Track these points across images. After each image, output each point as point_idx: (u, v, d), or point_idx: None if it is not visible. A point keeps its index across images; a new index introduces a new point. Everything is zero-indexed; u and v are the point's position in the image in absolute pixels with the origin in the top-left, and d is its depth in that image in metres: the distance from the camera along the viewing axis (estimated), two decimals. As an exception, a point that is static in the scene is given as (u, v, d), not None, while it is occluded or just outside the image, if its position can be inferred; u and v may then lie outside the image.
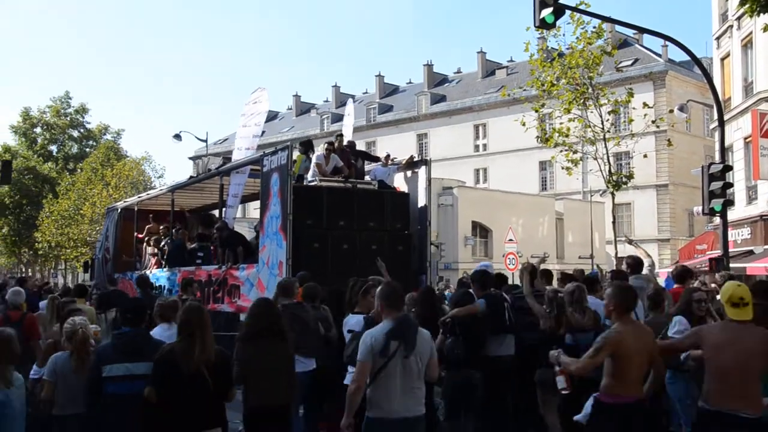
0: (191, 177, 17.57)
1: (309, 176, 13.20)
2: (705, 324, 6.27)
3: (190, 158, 71.66)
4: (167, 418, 5.11)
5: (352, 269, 9.16)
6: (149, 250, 18.43)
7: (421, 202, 13.54)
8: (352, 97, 71.90)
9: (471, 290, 8.24)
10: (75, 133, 67.55)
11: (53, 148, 67.06)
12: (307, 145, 13.76)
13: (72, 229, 48.61)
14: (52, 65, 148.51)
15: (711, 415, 5.02)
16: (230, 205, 15.04)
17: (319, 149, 13.88)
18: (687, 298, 7.19)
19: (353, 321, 7.01)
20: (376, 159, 14.89)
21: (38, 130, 66.45)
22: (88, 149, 65.15)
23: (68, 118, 66.56)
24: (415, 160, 13.94)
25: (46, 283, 24.86)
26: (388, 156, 14.39)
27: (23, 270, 67.78)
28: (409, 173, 14.00)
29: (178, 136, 36.91)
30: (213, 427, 5.32)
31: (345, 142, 14.30)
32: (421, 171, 13.67)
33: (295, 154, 12.97)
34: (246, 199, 17.35)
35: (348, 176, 13.35)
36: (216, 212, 17.09)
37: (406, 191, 13.90)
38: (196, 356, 5.14)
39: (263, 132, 75.37)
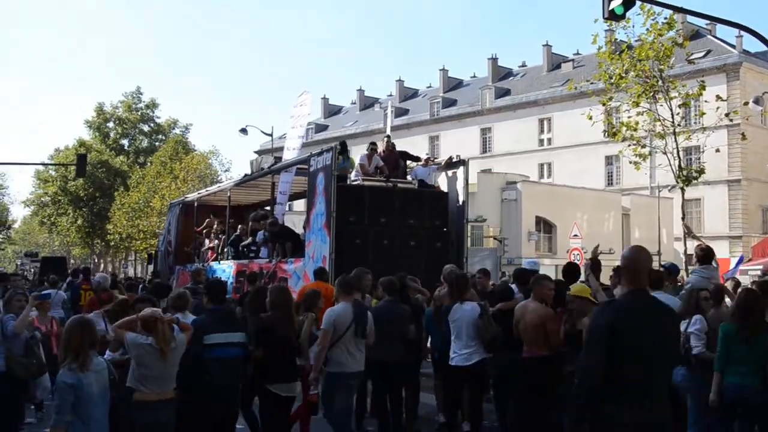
0: (246, 175, 18.46)
1: (352, 176, 13.83)
2: None
3: (256, 152, 72.84)
4: (269, 371, 6.75)
5: (392, 264, 9.67)
6: (207, 243, 19.11)
7: (460, 201, 14.00)
8: (416, 91, 72.10)
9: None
10: (145, 128, 69.41)
11: (125, 142, 69.06)
12: (342, 146, 14.17)
13: (142, 221, 49.99)
14: (125, 62, 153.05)
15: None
16: (279, 202, 15.67)
17: (363, 150, 14.44)
18: (695, 298, 7.40)
19: (468, 308, 7.97)
20: (417, 159, 15.34)
21: (111, 124, 68.51)
22: (157, 143, 66.88)
23: (139, 113, 68.45)
24: (454, 160, 14.41)
25: (113, 275, 25.73)
26: (429, 157, 14.96)
27: (95, 260, 70.10)
28: (449, 173, 14.44)
29: (244, 131, 37.50)
30: (297, 380, 7.07)
31: (383, 147, 14.81)
32: (460, 171, 14.14)
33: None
34: (296, 196, 18.03)
35: (389, 176, 13.85)
36: (268, 208, 17.61)
37: (446, 190, 14.37)
38: (289, 325, 6.92)
39: (327, 126, 76.10)
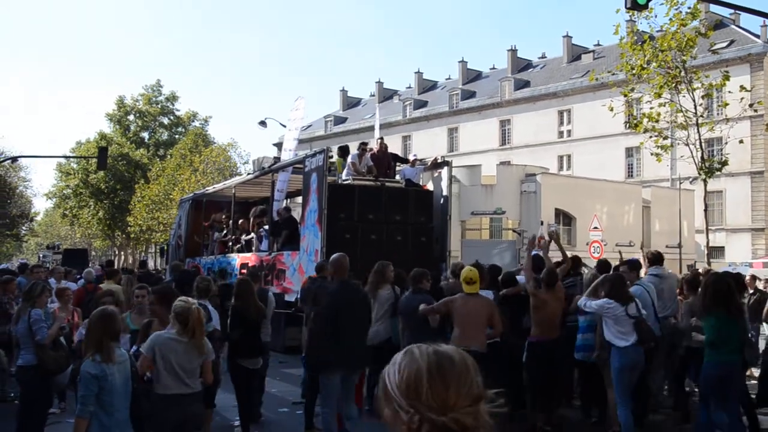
0: (248, 173, 19.60)
1: (344, 175, 14.90)
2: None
3: (275, 145, 72.96)
4: (241, 349, 8.10)
5: (379, 257, 10.09)
6: (216, 236, 20.08)
7: (443, 198, 15.07)
8: (435, 83, 71.83)
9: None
10: (165, 120, 69.82)
11: (145, 134, 69.53)
12: (344, 150, 15.52)
13: (162, 213, 50.33)
14: (145, 55, 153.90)
15: None
16: (277, 199, 16.64)
17: (354, 150, 15.41)
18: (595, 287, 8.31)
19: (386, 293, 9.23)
20: (406, 161, 16.53)
21: (131, 117, 69.00)
22: (177, 136, 67.27)
23: (159, 106, 68.87)
24: (439, 161, 15.62)
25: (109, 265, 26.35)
26: (416, 158, 16.06)
27: (116, 252, 70.66)
28: (434, 173, 15.56)
29: (263, 123, 37.45)
30: (262, 355, 8.59)
31: (376, 147, 15.76)
32: (444, 171, 15.26)
33: (336, 158, 15.12)
34: (293, 194, 19.07)
35: (378, 175, 14.80)
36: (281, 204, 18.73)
37: (432, 189, 15.48)
38: (254, 309, 8.22)
39: (346, 119, 76.37)
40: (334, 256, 7.70)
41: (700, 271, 12.05)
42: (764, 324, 12.76)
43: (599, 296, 8.04)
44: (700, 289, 7.67)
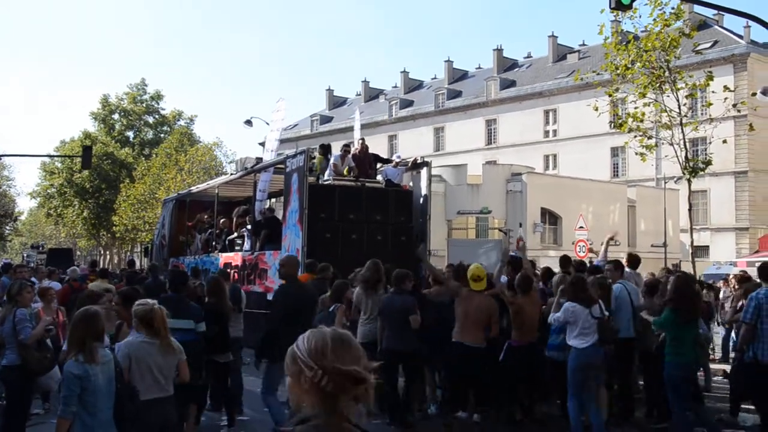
0: (231, 174, 19.82)
1: (326, 175, 15.04)
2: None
3: (260, 144, 72.73)
4: (215, 344, 8.25)
5: (359, 257, 10.31)
6: (199, 237, 20.15)
7: (423, 198, 15.27)
8: (421, 82, 71.88)
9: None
10: (150, 119, 69.39)
11: (130, 134, 69.05)
12: (326, 148, 15.69)
13: (147, 212, 50.04)
14: (129, 53, 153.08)
15: (455, 345, 8.45)
16: (258, 199, 16.77)
17: (337, 151, 15.75)
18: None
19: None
20: (388, 161, 16.70)
21: (116, 116, 68.52)
22: (162, 135, 66.88)
23: (144, 105, 68.43)
24: (418, 162, 15.80)
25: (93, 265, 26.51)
26: (399, 160, 16.27)
27: (101, 252, 70.24)
28: (414, 173, 15.76)
29: (249, 122, 37.32)
30: (230, 350, 8.89)
31: (358, 147, 15.97)
32: (423, 171, 15.47)
33: (317, 157, 15.12)
34: (275, 194, 19.20)
35: (358, 176, 14.95)
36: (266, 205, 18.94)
37: (412, 189, 15.64)
38: (227, 306, 8.79)
39: (332, 118, 76.30)
40: (283, 257, 8.44)
41: (658, 275, 12.49)
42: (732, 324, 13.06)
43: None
44: (670, 290, 7.82)
